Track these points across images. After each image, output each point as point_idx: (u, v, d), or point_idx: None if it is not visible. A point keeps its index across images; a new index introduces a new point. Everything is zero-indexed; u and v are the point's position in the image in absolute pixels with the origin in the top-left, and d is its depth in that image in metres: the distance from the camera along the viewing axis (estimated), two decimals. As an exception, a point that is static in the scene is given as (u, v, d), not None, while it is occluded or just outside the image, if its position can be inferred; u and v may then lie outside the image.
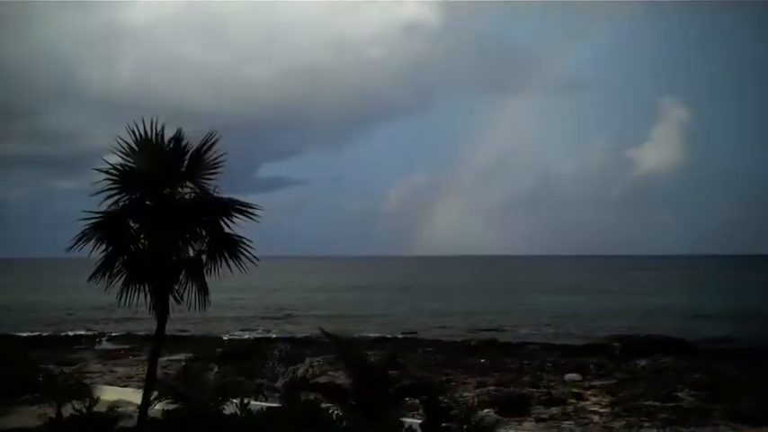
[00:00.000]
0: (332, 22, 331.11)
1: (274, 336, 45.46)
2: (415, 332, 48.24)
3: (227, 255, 11.61)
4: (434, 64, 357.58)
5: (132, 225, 11.68)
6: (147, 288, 11.65)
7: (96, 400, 16.96)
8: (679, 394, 27.80)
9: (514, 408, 25.36)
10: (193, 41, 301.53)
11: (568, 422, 24.26)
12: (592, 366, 34.13)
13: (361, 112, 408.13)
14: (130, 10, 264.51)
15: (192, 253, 11.82)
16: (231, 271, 11.72)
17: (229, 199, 11.62)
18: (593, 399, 27.56)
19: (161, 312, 11.81)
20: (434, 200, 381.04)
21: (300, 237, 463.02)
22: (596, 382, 30.43)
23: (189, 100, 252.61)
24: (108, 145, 11.66)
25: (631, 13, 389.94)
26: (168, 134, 11.49)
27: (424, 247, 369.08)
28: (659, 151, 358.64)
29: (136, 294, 11.57)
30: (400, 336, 45.88)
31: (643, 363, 34.78)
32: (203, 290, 11.81)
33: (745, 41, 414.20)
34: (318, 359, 30.83)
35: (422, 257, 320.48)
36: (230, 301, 64.90)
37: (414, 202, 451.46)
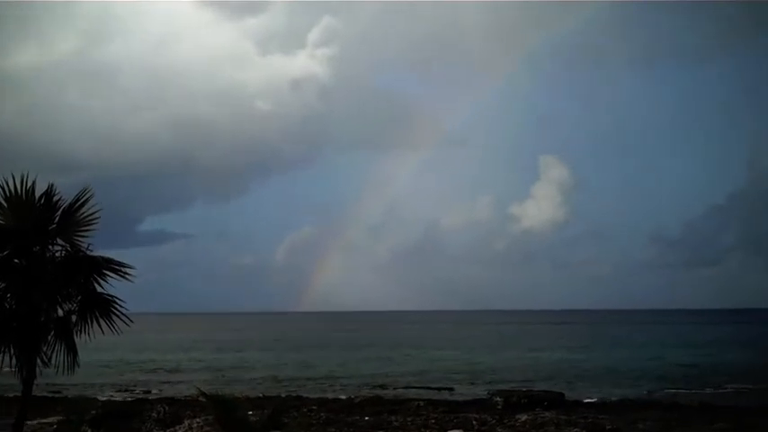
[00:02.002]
0: (220, 73, 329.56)
1: (153, 396, 43.87)
2: (299, 390, 47.61)
3: (98, 315, 11.35)
4: (323, 118, 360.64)
5: (-2, 284, 11.27)
6: (12, 350, 11.23)
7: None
8: (558, 448, 28.38)
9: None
10: (77, 89, 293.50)
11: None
12: (474, 422, 34.40)
13: (249, 165, 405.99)
14: (10, 55, 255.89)
15: (61, 313, 11.49)
16: (103, 332, 11.45)
17: (102, 257, 11.39)
18: (476, 455, 27.79)
19: (28, 375, 11.37)
20: (323, 254, 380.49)
21: (186, 292, 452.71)
22: (478, 438, 30.70)
23: (70, 150, 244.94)
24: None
25: (514, 71, 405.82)
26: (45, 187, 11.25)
27: (313, 303, 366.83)
28: (540, 208, 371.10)
29: (0, 356, 11.15)
30: (284, 394, 45.15)
31: (524, 417, 35.29)
32: (72, 351, 11.46)
33: (625, 99, 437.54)
34: (198, 420, 29.91)
35: (312, 313, 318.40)
36: (108, 361, 62.64)
37: (303, 255, 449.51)
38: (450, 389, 49.60)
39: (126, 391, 48.64)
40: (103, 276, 11.33)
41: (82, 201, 11.30)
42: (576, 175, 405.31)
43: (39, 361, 11.36)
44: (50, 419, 31.90)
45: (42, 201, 11.21)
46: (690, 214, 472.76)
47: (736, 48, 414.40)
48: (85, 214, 11.36)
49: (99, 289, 11.45)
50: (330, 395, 44.60)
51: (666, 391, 48.12)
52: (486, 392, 43.64)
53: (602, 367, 62.31)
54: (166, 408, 30.41)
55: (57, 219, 11.29)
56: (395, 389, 49.31)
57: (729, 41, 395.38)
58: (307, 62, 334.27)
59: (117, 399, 43.62)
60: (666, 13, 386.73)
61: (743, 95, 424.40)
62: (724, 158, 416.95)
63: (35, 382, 11.45)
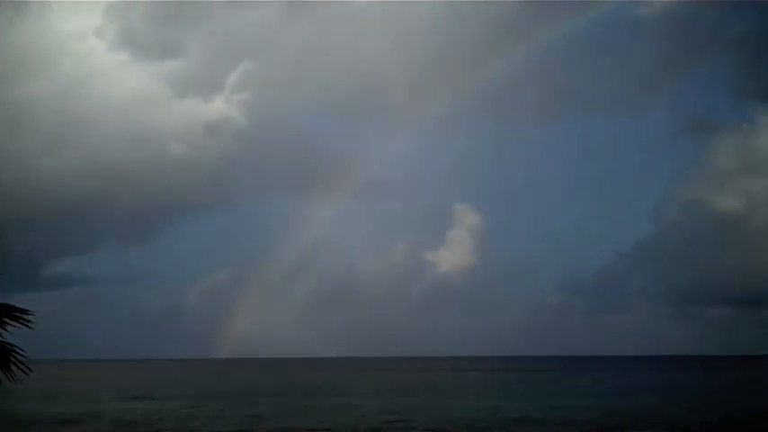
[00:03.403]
0: (136, 115, 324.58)
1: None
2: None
3: (-6, 364, 10.93)
4: (240, 162, 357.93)
5: None
6: None
7: None
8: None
9: None
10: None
11: None
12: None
13: (163, 208, 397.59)
14: None
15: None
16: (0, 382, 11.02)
17: (1, 303, 11.02)
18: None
19: None
20: (239, 299, 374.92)
21: (96, 337, 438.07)
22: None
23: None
24: None
25: (430, 120, 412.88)
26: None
27: (228, 349, 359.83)
28: (454, 255, 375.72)
29: None
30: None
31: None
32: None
33: (536, 150, 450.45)
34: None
35: (227, 360, 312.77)
36: (7, 411, 60.14)
37: (218, 300, 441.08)
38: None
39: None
40: (2, 324, 10.94)
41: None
42: (489, 223, 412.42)
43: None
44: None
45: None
46: (598, 262, 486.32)
47: (642, 102, 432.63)
48: (-15, 259, 11.00)
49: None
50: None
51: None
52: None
53: (510, 416, 62.76)
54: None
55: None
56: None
57: (636, 96, 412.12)
58: (224, 106, 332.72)
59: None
60: (574, 68, 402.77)
61: (648, 147, 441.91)
62: (630, 207, 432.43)
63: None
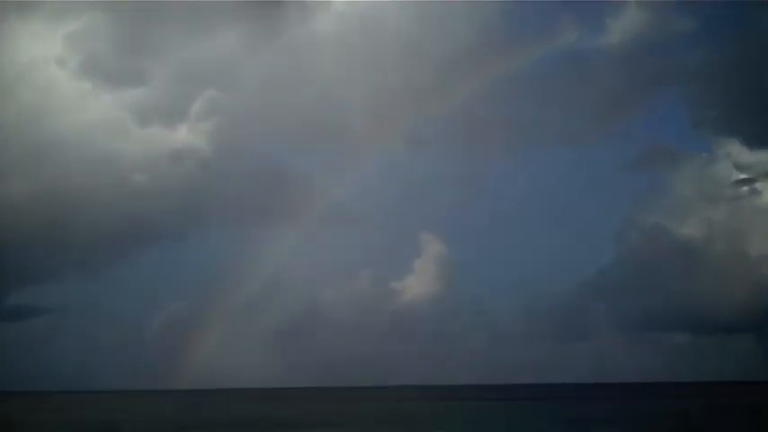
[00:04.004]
0: (97, 144, 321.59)
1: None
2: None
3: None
4: (204, 191, 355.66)
5: None
6: None
7: None
8: None
9: None
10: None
11: None
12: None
13: (124, 238, 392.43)
14: None
15: None
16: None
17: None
18: None
19: None
20: (202, 329, 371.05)
21: (54, 370, 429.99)
22: None
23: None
24: None
25: (396, 149, 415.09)
26: None
27: (191, 380, 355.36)
28: (420, 283, 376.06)
29: None
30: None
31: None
32: None
33: (500, 178, 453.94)
34: None
35: (187, 391, 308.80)
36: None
37: (180, 331, 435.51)
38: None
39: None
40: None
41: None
42: (454, 252, 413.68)
43: None
44: None
45: None
46: (561, 289, 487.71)
47: (603, 131, 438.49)
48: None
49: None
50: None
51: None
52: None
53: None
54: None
55: None
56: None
57: (597, 126, 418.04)
58: (188, 135, 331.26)
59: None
60: (535, 99, 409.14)
61: (609, 176, 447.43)
62: (592, 235, 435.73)
63: None
